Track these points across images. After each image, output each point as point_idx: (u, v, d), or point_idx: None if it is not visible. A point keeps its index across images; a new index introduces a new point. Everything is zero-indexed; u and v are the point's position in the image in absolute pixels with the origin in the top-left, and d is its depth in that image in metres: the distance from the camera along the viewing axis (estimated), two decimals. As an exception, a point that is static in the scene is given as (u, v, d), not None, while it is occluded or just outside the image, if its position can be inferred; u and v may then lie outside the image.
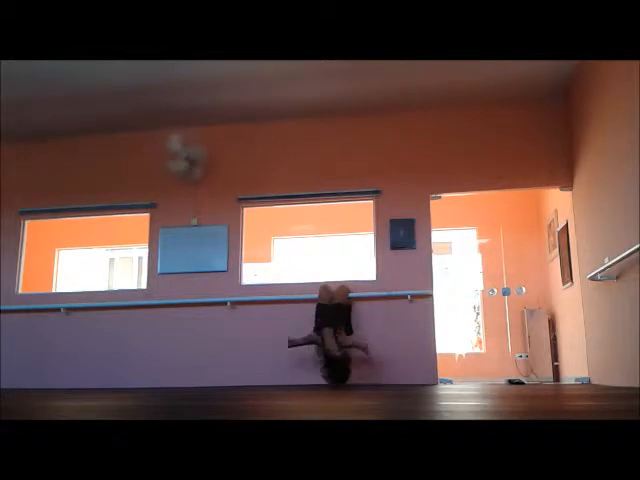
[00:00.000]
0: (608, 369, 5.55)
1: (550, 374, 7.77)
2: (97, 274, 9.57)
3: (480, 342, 8.68)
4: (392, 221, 6.65)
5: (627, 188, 4.72)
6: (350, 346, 6.09)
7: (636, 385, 4.48)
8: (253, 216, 7.23)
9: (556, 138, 6.57)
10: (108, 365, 6.68)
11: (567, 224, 6.77)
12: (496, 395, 4.07)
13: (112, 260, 9.71)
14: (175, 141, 6.68)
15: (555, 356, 7.86)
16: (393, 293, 6.41)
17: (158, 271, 6.95)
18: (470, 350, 8.65)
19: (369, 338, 6.36)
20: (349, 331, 6.34)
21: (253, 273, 8.41)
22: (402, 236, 6.59)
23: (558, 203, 7.20)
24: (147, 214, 7.17)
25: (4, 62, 5.41)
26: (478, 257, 8.69)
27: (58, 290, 8.47)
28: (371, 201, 6.83)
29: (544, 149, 6.58)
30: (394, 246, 6.60)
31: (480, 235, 8.77)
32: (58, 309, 6.90)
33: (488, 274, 8.52)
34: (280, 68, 5.92)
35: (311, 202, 7.17)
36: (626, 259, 4.65)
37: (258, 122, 7.09)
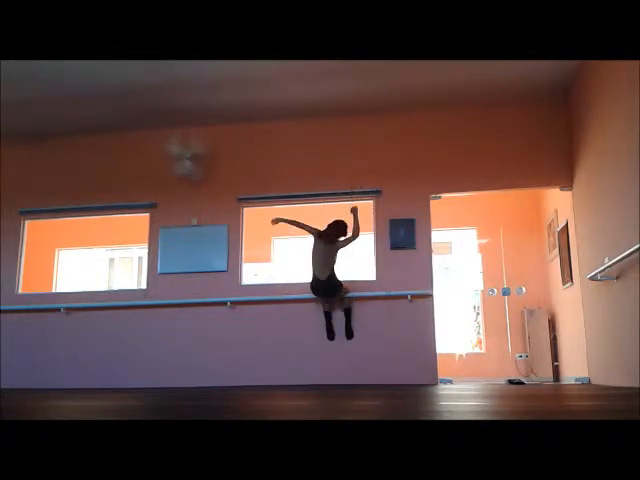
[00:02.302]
0: (608, 369, 5.55)
1: (550, 374, 7.76)
2: (97, 274, 9.56)
3: (480, 342, 8.68)
4: (392, 221, 6.64)
5: (627, 188, 4.72)
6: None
7: (636, 385, 4.48)
8: (253, 216, 7.22)
9: (556, 138, 6.57)
10: (108, 365, 6.68)
11: (567, 224, 6.76)
12: (496, 395, 4.07)
13: (112, 260, 9.70)
14: (175, 143, 6.68)
15: (555, 356, 7.86)
16: (393, 293, 6.40)
17: (158, 271, 6.95)
18: (470, 350, 8.64)
19: (369, 338, 6.36)
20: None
21: (253, 273, 8.41)
22: (402, 236, 6.59)
23: (558, 203, 7.20)
24: (147, 214, 7.16)
25: (4, 62, 5.41)
26: (478, 257, 8.69)
27: (58, 290, 8.47)
28: (371, 201, 6.83)
29: (544, 149, 6.58)
30: (394, 246, 6.60)
31: (480, 235, 8.77)
32: (58, 309, 6.89)
33: (488, 274, 8.52)
34: (280, 68, 5.92)
35: (311, 202, 7.16)
36: (626, 259, 4.65)
37: (258, 122, 7.09)
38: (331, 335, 6.35)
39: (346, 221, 6.36)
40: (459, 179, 6.68)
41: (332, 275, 6.26)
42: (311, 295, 6.37)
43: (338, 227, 6.35)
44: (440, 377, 6.24)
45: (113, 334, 6.79)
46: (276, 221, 6.40)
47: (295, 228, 6.51)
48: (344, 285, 6.37)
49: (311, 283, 6.30)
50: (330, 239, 6.30)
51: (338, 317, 6.43)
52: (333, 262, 6.30)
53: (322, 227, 6.46)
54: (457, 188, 6.78)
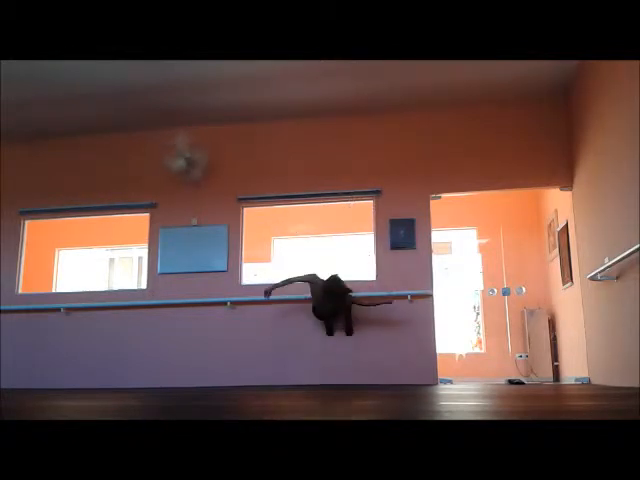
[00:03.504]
0: (608, 369, 5.55)
1: (550, 374, 7.76)
2: (97, 274, 9.56)
3: (480, 342, 8.67)
4: (392, 221, 6.64)
5: (627, 188, 4.72)
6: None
7: (636, 385, 4.48)
8: (253, 216, 7.22)
9: (556, 138, 6.57)
10: (108, 365, 6.68)
11: (567, 224, 6.76)
12: (496, 395, 4.07)
13: (112, 260, 9.70)
14: (182, 140, 6.66)
15: (555, 356, 7.86)
16: (393, 293, 6.40)
17: (158, 271, 6.95)
18: (470, 350, 8.64)
19: (369, 338, 6.36)
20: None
21: (253, 273, 8.41)
22: (402, 236, 6.59)
23: (558, 203, 7.20)
24: (147, 214, 7.17)
25: (4, 62, 5.41)
26: (478, 257, 8.69)
27: (58, 290, 8.46)
28: (371, 201, 6.83)
29: (544, 149, 6.58)
30: (394, 246, 6.60)
31: (480, 235, 8.77)
32: (58, 309, 6.90)
33: (488, 274, 8.52)
34: (280, 68, 5.92)
35: (311, 202, 7.16)
36: (626, 259, 4.65)
37: (258, 122, 7.09)
38: (330, 331, 6.32)
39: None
40: (459, 179, 6.68)
41: (335, 311, 6.14)
42: (311, 295, 6.35)
43: (337, 284, 6.08)
44: (440, 377, 6.24)
45: (113, 334, 6.79)
46: (269, 293, 6.19)
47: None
48: (349, 289, 6.27)
49: (313, 309, 6.19)
50: (336, 297, 6.06)
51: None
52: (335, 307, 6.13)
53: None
54: (457, 188, 6.78)
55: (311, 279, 6.26)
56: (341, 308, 6.19)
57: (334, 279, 6.10)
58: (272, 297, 6.59)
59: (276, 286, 6.25)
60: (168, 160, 6.76)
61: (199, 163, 6.80)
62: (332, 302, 6.06)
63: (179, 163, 6.73)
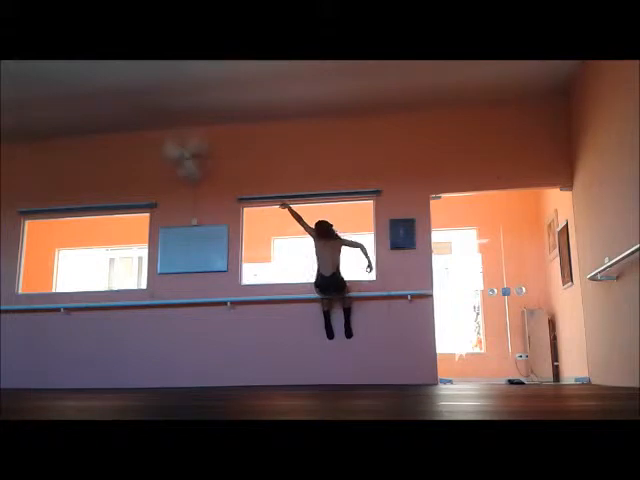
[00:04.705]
0: (608, 369, 5.55)
1: (550, 374, 7.76)
2: (97, 274, 9.56)
3: (480, 342, 8.67)
4: (392, 221, 6.64)
5: (627, 188, 4.72)
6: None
7: (636, 385, 4.48)
8: (253, 216, 7.22)
9: (556, 138, 6.57)
10: (108, 365, 6.68)
11: (567, 224, 6.76)
12: (496, 395, 4.07)
13: (112, 260, 9.70)
14: (171, 147, 6.67)
15: (555, 356, 7.86)
16: (393, 293, 6.40)
17: (158, 271, 6.94)
18: (470, 350, 8.64)
19: (369, 338, 6.36)
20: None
21: (253, 273, 8.41)
22: (402, 236, 6.59)
23: (558, 203, 7.20)
24: (147, 214, 7.17)
25: (4, 62, 5.41)
26: (478, 257, 8.69)
27: (58, 290, 8.46)
28: (371, 201, 6.82)
29: (544, 149, 6.58)
30: (394, 246, 6.60)
31: (480, 235, 8.77)
32: (58, 309, 6.89)
33: (488, 274, 8.52)
34: (280, 68, 5.92)
35: (311, 202, 7.15)
36: (626, 259, 4.65)
37: (258, 122, 7.08)
38: (330, 334, 6.36)
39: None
40: (459, 179, 6.68)
41: (337, 272, 6.29)
42: (311, 295, 6.37)
43: (325, 226, 6.42)
44: (440, 377, 6.24)
45: (113, 334, 6.79)
46: (284, 206, 6.44)
47: (295, 223, 6.50)
48: (348, 284, 6.37)
49: (315, 281, 6.33)
50: (329, 235, 6.34)
51: (338, 317, 6.44)
52: (338, 259, 6.34)
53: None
54: (457, 188, 6.78)
55: (310, 229, 6.45)
56: (340, 286, 6.33)
57: (320, 223, 6.43)
58: (272, 297, 6.61)
59: (291, 209, 6.45)
60: (175, 168, 6.77)
61: (201, 157, 6.79)
62: (330, 245, 6.32)
63: (184, 166, 6.74)
